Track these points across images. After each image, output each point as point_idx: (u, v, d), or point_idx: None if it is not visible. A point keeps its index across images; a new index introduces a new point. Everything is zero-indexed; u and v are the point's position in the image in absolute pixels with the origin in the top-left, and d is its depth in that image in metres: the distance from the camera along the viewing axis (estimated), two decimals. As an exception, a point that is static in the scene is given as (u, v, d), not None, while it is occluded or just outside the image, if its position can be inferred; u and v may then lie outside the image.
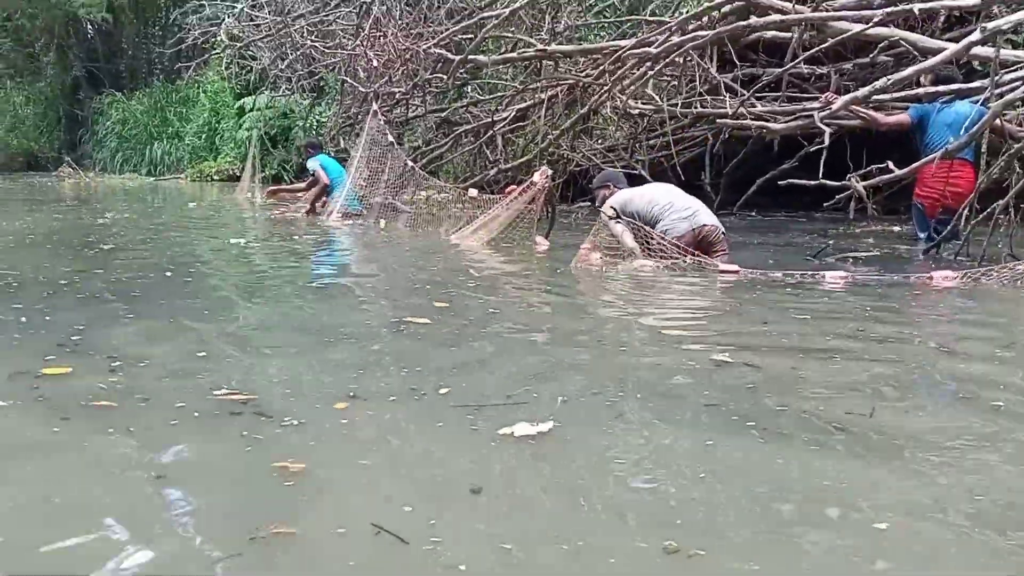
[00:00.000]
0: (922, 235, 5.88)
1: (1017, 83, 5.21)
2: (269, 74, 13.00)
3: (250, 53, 13.42)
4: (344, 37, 10.31)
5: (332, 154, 9.88)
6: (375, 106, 8.65)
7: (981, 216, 5.00)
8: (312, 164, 9.15)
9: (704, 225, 5.11)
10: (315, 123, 14.47)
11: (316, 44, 10.87)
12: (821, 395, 2.29)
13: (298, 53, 10.95)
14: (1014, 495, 1.63)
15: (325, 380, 2.42)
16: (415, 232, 7.43)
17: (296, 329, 3.20)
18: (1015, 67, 5.51)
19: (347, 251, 6.60)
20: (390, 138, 8.32)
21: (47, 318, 3.19)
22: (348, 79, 10.41)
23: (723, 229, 5.22)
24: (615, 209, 5.27)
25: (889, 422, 2.05)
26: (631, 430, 2.00)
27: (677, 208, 5.16)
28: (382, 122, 8.44)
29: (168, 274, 4.49)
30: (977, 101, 5.47)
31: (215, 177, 17.68)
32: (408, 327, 3.12)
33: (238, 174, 15.64)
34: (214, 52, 15.15)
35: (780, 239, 6.78)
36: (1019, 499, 1.61)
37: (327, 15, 11.07)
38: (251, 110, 16.56)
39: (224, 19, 12.40)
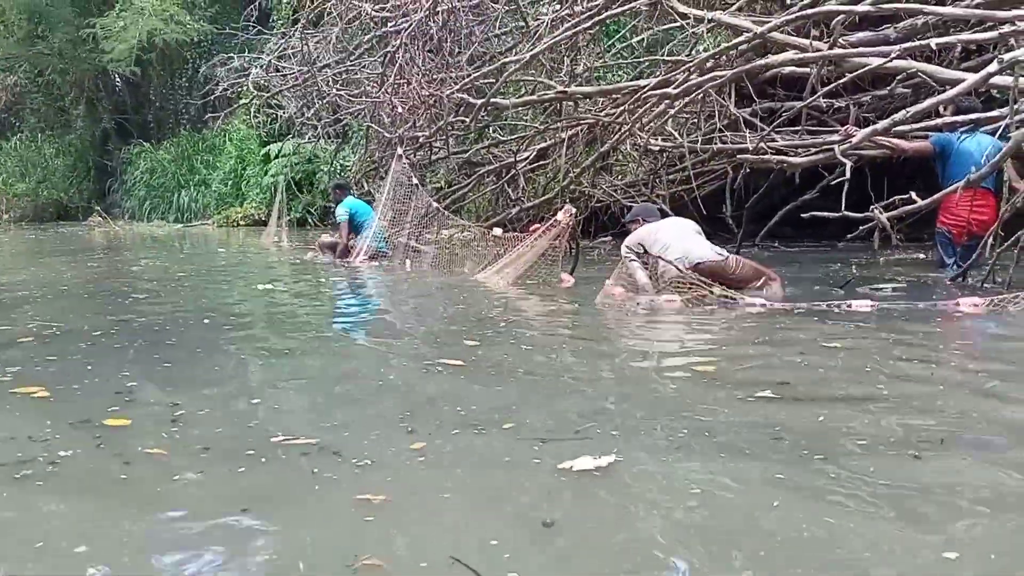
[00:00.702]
0: (948, 261, 5.89)
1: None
2: (295, 121, 13.31)
3: (276, 102, 13.74)
4: (369, 85, 10.56)
5: (357, 196, 10.04)
6: (400, 150, 8.82)
7: (1007, 244, 5.00)
8: (340, 212, 9.16)
9: (697, 264, 5.03)
10: (339, 167, 14.75)
11: (342, 92, 11.13)
12: (876, 432, 2.28)
13: (324, 101, 11.21)
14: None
15: (379, 421, 2.47)
16: (440, 272, 7.53)
17: (336, 373, 3.28)
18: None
19: (374, 294, 6.70)
20: (414, 180, 8.47)
21: (88, 368, 3.27)
22: (373, 125, 10.63)
23: (723, 256, 5.17)
24: (642, 246, 5.32)
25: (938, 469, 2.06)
26: (692, 465, 2.03)
27: (673, 251, 5.10)
28: (406, 165, 8.61)
29: (206, 321, 4.59)
30: (996, 131, 5.50)
31: (241, 222, 18.03)
32: (445, 368, 3.18)
33: (264, 219, 15.95)
34: (241, 102, 15.54)
35: (804, 270, 6.79)
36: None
37: (352, 64, 11.33)
38: (277, 156, 16.92)
39: (251, 70, 12.72)
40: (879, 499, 1.79)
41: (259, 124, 15.76)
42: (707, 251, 5.16)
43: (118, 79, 25.51)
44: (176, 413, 2.55)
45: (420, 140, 9.70)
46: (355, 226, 9.07)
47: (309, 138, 13.95)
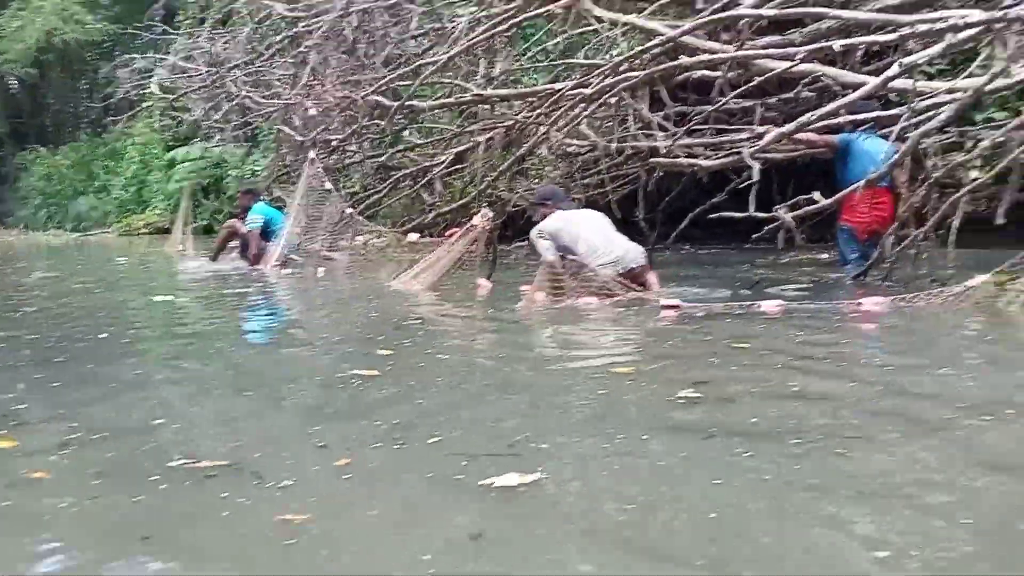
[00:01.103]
0: (851, 258, 6.07)
1: (932, 112, 5.45)
2: (202, 125, 12.84)
3: (182, 104, 13.24)
4: (280, 86, 10.29)
5: (268, 202, 9.74)
6: (313, 154, 8.60)
7: (903, 244, 5.18)
8: (252, 219, 8.63)
9: (631, 268, 5.10)
10: (250, 172, 14.36)
11: (251, 94, 10.79)
12: (803, 429, 2.28)
13: (233, 103, 10.85)
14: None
15: (291, 438, 2.34)
16: (355, 279, 7.37)
17: (243, 388, 3.09)
18: (930, 96, 5.77)
19: (284, 302, 6.50)
20: (327, 185, 8.27)
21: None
22: (285, 128, 10.33)
23: (646, 255, 5.27)
24: (565, 248, 5.24)
25: (865, 454, 2.07)
26: (625, 473, 1.97)
27: (602, 253, 5.10)
28: (319, 170, 8.39)
29: (102, 336, 4.32)
30: (889, 135, 5.68)
31: (144, 230, 17.32)
32: (359, 379, 3.05)
33: (168, 227, 15.35)
34: (144, 105, 14.93)
35: (714, 272, 6.92)
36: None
37: (262, 65, 11.01)
38: (182, 161, 16.35)
39: (156, 71, 12.23)
40: (817, 498, 1.77)
41: (163, 128, 15.19)
42: (638, 255, 5.21)
43: (14, 81, 24.20)
44: (68, 437, 2.35)
45: (333, 144, 9.49)
46: (267, 233, 8.78)
47: (217, 142, 13.50)
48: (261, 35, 11.56)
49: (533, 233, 5.35)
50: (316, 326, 5.05)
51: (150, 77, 14.06)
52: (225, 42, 11.50)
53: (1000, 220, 5.05)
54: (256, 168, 14.07)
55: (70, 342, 4.13)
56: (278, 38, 11.00)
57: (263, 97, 10.79)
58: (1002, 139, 5.34)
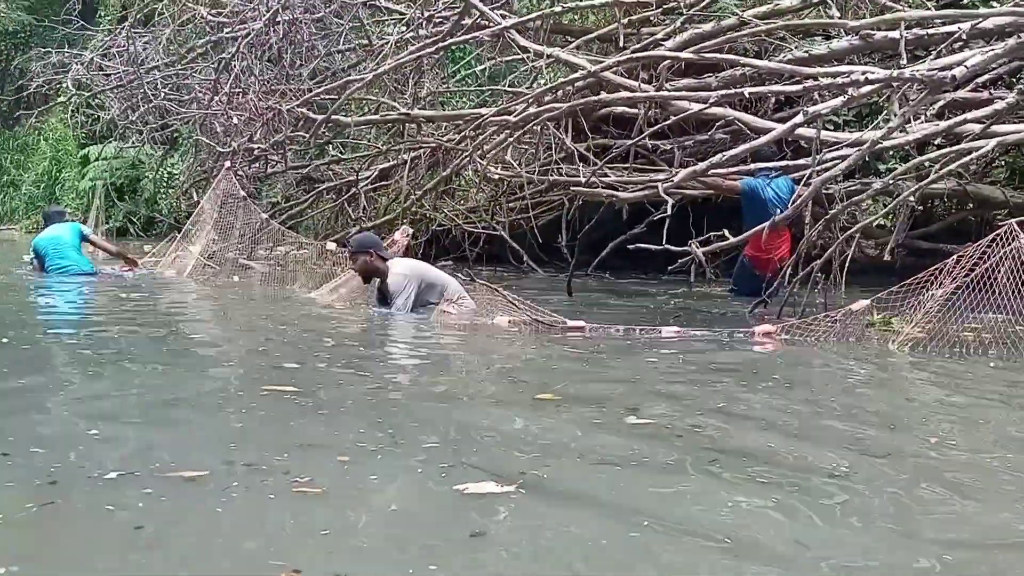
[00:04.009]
0: (744, 288, 6.72)
1: (836, 161, 5.78)
2: (118, 124, 12.47)
3: (97, 102, 12.84)
4: (201, 91, 10.09)
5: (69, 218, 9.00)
6: (228, 163, 8.47)
7: (798, 277, 5.47)
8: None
9: None
10: (167, 175, 14.03)
11: (171, 97, 10.56)
12: (747, 442, 2.51)
13: (150, 105, 10.59)
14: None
15: (224, 450, 2.30)
16: (270, 289, 7.28)
17: (177, 401, 2.97)
18: (834, 147, 6.12)
19: (197, 312, 6.37)
20: (242, 193, 8.16)
21: None
22: (204, 138, 10.14)
23: None
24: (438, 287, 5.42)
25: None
26: (599, 487, 2.07)
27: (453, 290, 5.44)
28: (234, 180, 8.26)
29: (4, 340, 4.15)
30: (800, 179, 6.03)
31: (54, 229, 16.61)
32: (271, 393, 2.98)
33: (80, 226, 14.79)
34: (59, 100, 14.42)
35: (631, 298, 7.12)
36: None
37: (183, 69, 10.78)
38: (96, 159, 15.84)
39: (72, 66, 11.80)
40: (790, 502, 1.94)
41: (78, 124, 14.67)
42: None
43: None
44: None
45: (255, 152, 9.37)
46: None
47: (133, 142, 13.12)
48: (184, 38, 11.34)
49: (396, 281, 5.38)
50: (232, 339, 4.97)
51: (66, 72, 13.57)
52: (145, 42, 11.21)
53: (887, 257, 5.40)
54: (174, 171, 13.76)
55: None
56: (200, 43, 10.81)
57: (182, 102, 10.57)
58: (892, 186, 5.71)
